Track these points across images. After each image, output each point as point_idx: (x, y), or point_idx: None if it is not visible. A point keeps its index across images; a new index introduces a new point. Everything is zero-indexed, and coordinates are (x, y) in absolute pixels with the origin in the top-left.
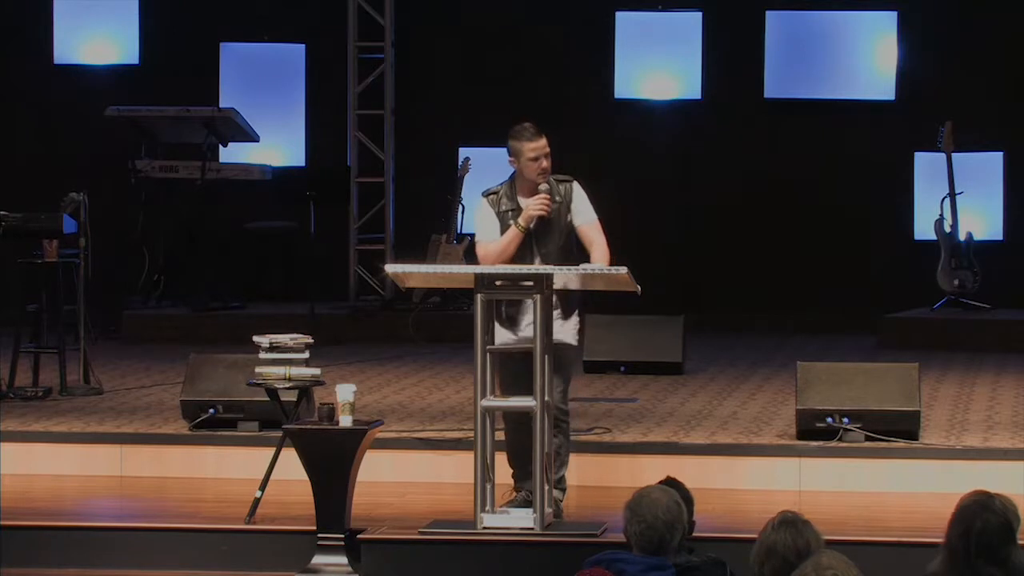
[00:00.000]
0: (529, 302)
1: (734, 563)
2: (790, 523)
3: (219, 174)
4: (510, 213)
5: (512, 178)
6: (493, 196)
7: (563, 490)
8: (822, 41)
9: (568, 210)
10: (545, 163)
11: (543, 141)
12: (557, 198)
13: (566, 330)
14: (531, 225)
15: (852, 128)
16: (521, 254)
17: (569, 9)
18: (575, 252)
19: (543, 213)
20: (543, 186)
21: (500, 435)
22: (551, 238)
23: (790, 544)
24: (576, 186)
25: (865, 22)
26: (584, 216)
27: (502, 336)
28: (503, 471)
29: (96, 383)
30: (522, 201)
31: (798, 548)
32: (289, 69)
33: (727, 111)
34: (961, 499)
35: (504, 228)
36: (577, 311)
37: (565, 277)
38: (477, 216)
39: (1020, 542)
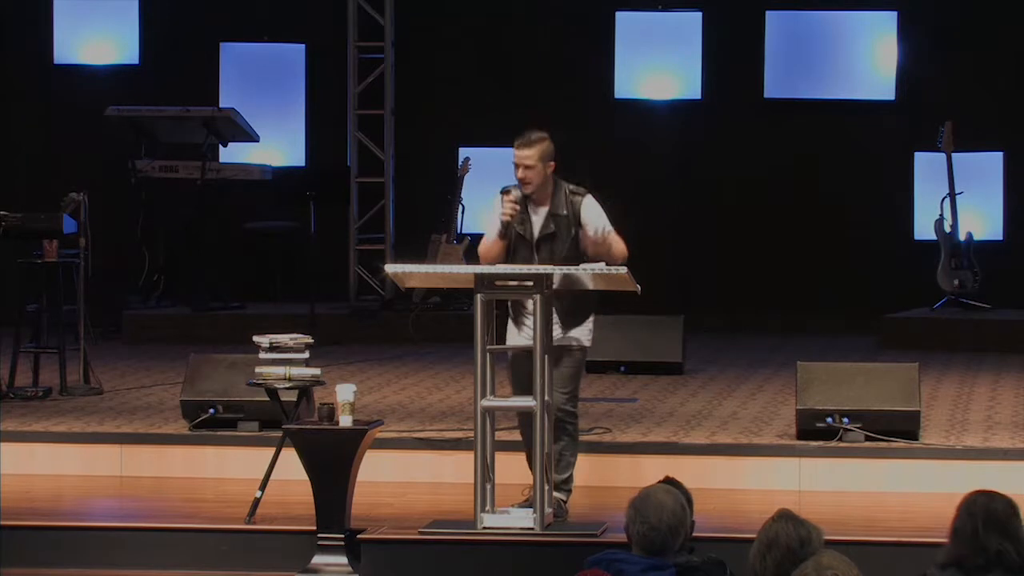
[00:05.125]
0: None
1: (734, 563)
2: (789, 517)
3: (219, 174)
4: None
5: None
6: (505, 194)
7: (568, 491)
8: (822, 41)
9: (575, 224)
10: (523, 174)
11: (523, 152)
12: (562, 211)
13: (582, 331)
14: (508, 232)
15: (852, 128)
16: (523, 263)
17: (569, 9)
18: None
19: (505, 218)
20: (515, 192)
21: (500, 435)
22: (554, 250)
23: (792, 533)
24: (586, 201)
25: (865, 22)
26: (596, 227)
27: (512, 337)
28: (503, 471)
29: (96, 383)
30: (530, 205)
31: (800, 537)
32: (289, 69)
33: (727, 111)
34: (966, 495)
35: (502, 226)
36: (592, 313)
37: (573, 278)
38: (492, 209)
39: None
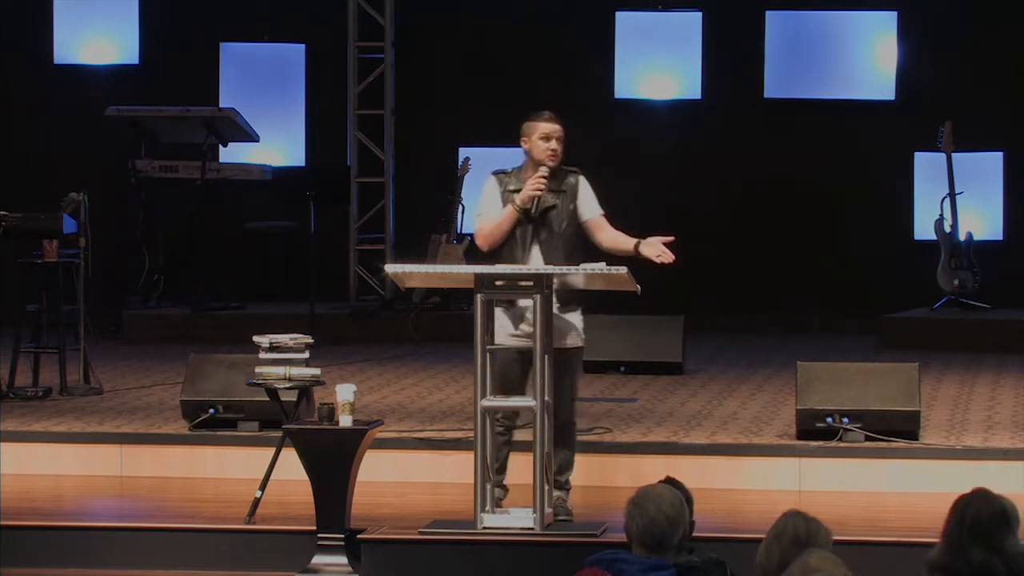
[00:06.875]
0: (525, 303)
1: (734, 563)
2: (799, 513)
3: (219, 174)
4: (515, 194)
5: (524, 163)
6: (503, 175)
7: (567, 489)
8: (822, 41)
9: (572, 200)
10: (556, 146)
11: (557, 125)
12: (561, 187)
13: (576, 326)
14: (529, 207)
15: (852, 128)
16: (522, 239)
17: (569, 9)
18: (579, 246)
19: (538, 193)
20: (543, 168)
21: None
22: (552, 226)
23: (800, 525)
24: (583, 179)
25: (865, 22)
26: (591, 211)
27: (501, 335)
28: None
29: (96, 383)
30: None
31: (808, 529)
32: (289, 69)
33: (727, 111)
34: (959, 496)
35: (528, 200)
36: (580, 310)
37: (567, 276)
38: (483, 192)
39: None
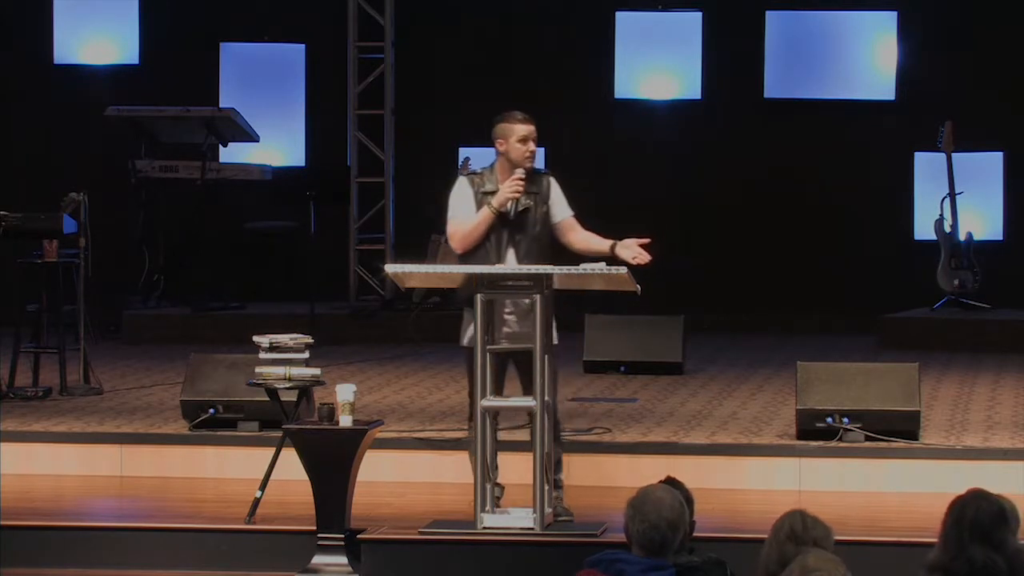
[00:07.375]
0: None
1: (734, 563)
2: (799, 512)
3: (219, 174)
4: (490, 196)
5: (494, 164)
6: (474, 176)
7: (561, 487)
8: (822, 41)
9: (545, 203)
10: (533, 147)
11: (533, 127)
12: (534, 189)
13: (552, 330)
14: (505, 209)
15: (852, 128)
16: (496, 242)
17: (569, 9)
18: (551, 247)
19: (516, 195)
20: (519, 171)
21: (500, 435)
22: (526, 228)
23: (798, 522)
24: (553, 181)
25: (865, 22)
26: (563, 212)
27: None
28: (503, 471)
29: (96, 383)
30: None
31: (807, 527)
32: (289, 69)
33: (727, 111)
34: (956, 497)
35: (505, 202)
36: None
37: (560, 276)
38: (453, 194)
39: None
